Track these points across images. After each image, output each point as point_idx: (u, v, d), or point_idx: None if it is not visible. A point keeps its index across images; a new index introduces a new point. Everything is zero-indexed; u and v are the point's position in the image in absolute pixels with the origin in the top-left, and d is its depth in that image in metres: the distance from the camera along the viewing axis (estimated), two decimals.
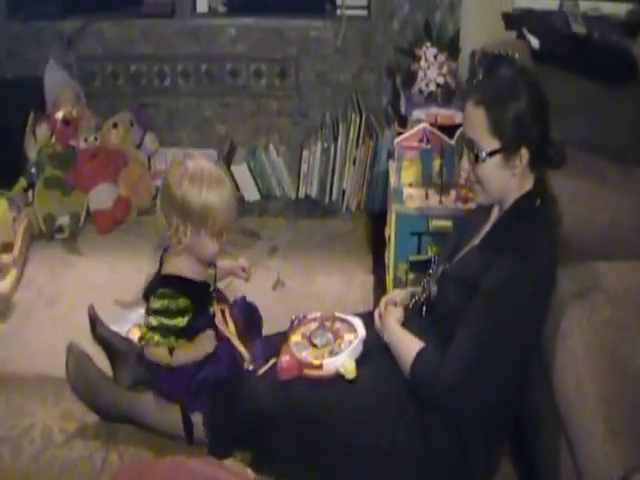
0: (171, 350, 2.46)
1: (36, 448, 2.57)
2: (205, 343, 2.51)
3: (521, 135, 2.13)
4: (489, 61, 2.34)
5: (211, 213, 2.33)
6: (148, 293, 2.47)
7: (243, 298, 2.77)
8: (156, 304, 2.41)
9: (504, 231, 2.25)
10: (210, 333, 2.52)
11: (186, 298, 2.41)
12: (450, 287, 2.31)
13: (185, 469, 2.19)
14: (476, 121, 2.17)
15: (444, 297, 2.34)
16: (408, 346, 2.30)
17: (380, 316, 2.50)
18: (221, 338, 2.55)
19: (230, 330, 2.59)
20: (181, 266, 2.43)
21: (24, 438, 2.61)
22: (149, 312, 2.44)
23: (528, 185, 2.22)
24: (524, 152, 2.14)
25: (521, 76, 2.20)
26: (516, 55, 2.34)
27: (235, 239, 2.48)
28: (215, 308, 2.57)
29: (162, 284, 2.43)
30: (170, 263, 2.45)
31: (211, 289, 2.57)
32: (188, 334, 2.48)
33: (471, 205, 2.70)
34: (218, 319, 2.57)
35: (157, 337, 2.42)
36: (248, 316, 2.72)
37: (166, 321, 2.41)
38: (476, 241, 2.34)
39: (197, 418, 2.49)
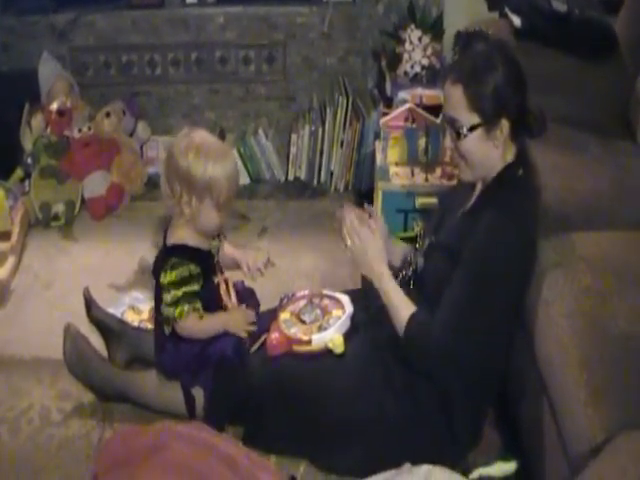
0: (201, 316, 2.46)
1: (34, 428, 2.60)
2: (238, 319, 2.52)
3: (501, 107, 2.16)
4: (464, 39, 2.37)
5: (215, 185, 2.35)
6: (158, 269, 2.46)
7: (242, 282, 2.75)
8: (171, 276, 2.40)
9: (488, 200, 2.28)
10: (251, 313, 2.55)
11: (195, 265, 2.42)
12: (437, 257, 2.35)
13: (173, 433, 2.22)
14: (455, 99, 2.20)
15: (431, 267, 2.37)
16: (399, 305, 2.31)
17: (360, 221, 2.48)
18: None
19: (233, 302, 2.59)
20: (185, 236, 2.43)
21: (22, 418, 2.63)
22: (167, 288, 2.42)
23: (510, 157, 2.26)
24: (504, 123, 2.18)
25: (496, 49, 2.23)
26: (490, 31, 2.37)
27: (225, 222, 2.50)
28: (219, 278, 2.57)
29: (169, 254, 2.43)
30: (174, 234, 2.46)
31: (215, 260, 2.57)
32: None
33: (455, 183, 2.74)
34: (222, 289, 2.57)
35: (187, 306, 2.41)
36: (246, 300, 2.70)
37: (187, 288, 2.41)
38: (461, 213, 2.38)
39: (197, 393, 2.49)
